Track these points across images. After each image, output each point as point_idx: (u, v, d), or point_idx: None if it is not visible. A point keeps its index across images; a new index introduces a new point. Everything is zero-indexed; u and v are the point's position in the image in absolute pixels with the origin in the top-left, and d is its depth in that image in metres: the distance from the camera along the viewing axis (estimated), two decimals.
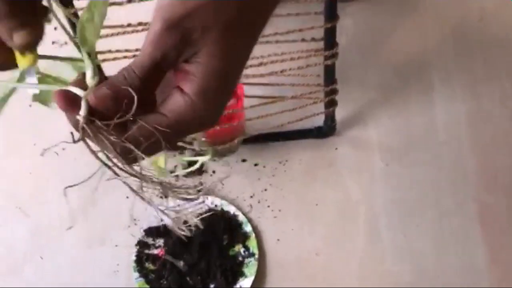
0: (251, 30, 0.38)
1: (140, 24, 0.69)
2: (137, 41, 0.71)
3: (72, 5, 0.66)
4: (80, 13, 0.48)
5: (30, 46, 0.39)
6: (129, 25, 0.69)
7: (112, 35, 0.71)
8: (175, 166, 0.91)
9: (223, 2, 0.36)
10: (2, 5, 0.38)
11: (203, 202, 0.89)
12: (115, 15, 0.61)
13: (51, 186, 0.92)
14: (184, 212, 0.40)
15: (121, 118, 0.36)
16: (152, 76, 0.37)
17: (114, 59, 0.74)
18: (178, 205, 1.00)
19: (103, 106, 0.36)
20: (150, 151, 0.38)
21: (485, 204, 0.88)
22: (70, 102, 0.37)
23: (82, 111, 0.36)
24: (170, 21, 0.35)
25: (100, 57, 0.73)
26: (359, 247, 0.86)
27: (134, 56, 0.72)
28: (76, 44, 0.41)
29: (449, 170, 0.91)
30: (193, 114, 0.37)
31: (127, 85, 0.36)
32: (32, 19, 0.40)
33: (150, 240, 0.87)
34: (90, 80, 0.38)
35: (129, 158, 0.37)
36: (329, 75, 0.82)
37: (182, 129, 0.38)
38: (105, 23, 0.39)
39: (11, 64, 0.40)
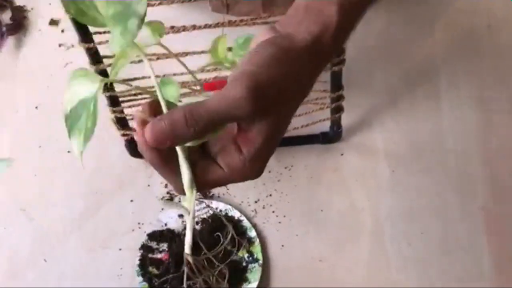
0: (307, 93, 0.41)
1: None
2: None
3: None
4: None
5: None
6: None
7: None
8: None
9: (301, 73, 0.38)
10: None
11: (208, 206, 0.89)
12: None
13: (55, 189, 0.92)
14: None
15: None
16: (213, 129, 0.38)
17: None
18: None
19: (157, 139, 0.38)
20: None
21: (491, 213, 0.87)
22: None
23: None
24: (255, 91, 0.36)
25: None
26: (364, 254, 0.86)
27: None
28: None
29: (456, 178, 0.90)
30: (246, 173, 0.41)
31: (187, 128, 0.37)
32: None
33: (154, 244, 0.87)
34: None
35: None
36: (336, 81, 0.81)
37: (232, 182, 0.42)
38: None
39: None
